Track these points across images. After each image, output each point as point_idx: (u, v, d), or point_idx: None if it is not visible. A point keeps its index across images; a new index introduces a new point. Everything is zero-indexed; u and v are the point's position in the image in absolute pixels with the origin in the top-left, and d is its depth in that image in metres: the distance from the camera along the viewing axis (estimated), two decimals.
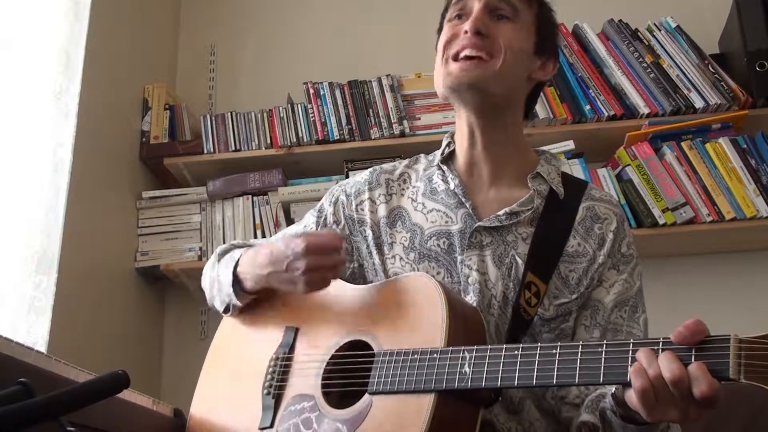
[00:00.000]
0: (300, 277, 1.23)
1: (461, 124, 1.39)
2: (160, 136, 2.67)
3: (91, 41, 2.33)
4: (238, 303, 1.39)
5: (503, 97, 1.33)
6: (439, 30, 1.42)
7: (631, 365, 0.95)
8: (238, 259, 1.37)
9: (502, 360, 1.06)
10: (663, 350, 0.94)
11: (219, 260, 1.45)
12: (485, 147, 1.36)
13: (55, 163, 2.15)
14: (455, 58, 1.31)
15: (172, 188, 2.67)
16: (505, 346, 1.08)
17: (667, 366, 0.91)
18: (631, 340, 0.98)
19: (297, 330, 1.35)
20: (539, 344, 1.05)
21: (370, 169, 1.48)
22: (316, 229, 1.45)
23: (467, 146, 1.38)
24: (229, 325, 1.47)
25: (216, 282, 1.44)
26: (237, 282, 1.36)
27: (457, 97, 1.33)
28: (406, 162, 1.49)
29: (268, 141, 2.62)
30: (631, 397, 0.97)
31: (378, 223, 1.40)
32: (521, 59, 1.33)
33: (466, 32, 1.30)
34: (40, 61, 2.16)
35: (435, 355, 1.11)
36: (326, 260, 1.24)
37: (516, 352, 1.05)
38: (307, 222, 1.48)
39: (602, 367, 0.98)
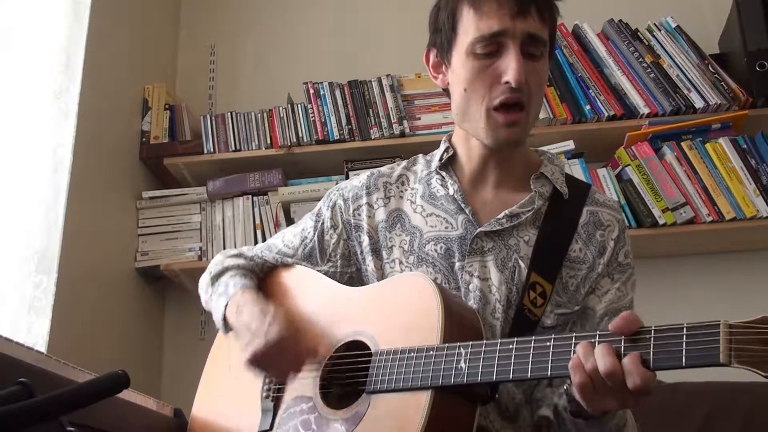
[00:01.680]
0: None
1: (474, 147, 1.35)
2: (160, 136, 2.67)
3: (91, 41, 2.33)
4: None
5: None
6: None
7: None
8: (228, 302, 1.37)
9: (497, 355, 1.06)
10: (599, 342, 0.98)
11: (213, 284, 1.45)
12: (498, 166, 1.36)
13: (55, 163, 2.15)
14: (497, 108, 1.25)
15: (172, 188, 2.67)
16: (500, 341, 1.08)
17: (601, 360, 0.96)
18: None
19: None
20: (533, 338, 1.06)
21: (368, 173, 1.46)
22: (314, 235, 1.44)
23: (479, 164, 1.36)
24: None
25: (209, 308, 1.46)
26: (226, 322, 1.38)
27: (495, 150, 1.32)
28: (404, 164, 1.48)
29: (268, 141, 2.62)
30: (573, 389, 1.02)
31: (376, 228, 1.40)
32: (544, 89, 1.34)
33: (506, 83, 1.23)
34: (40, 61, 2.16)
35: (431, 352, 1.11)
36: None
37: (511, 346, 1.06)
38: (306, 225, 1.47)
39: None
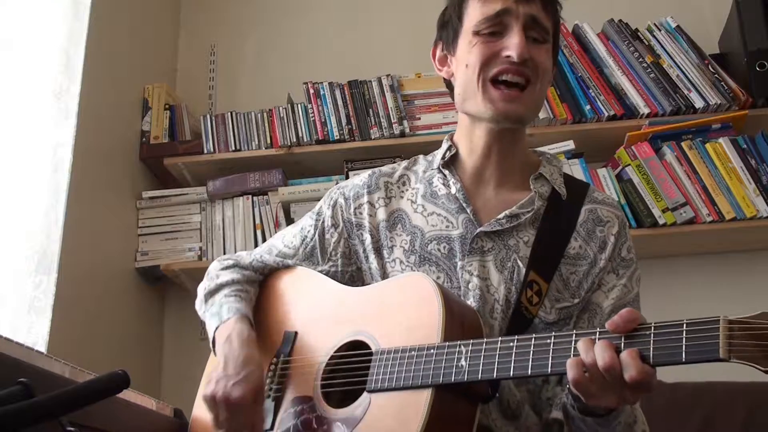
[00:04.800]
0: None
1: (477, 136, 1.36)
2: (160, 136, 2.67)
3: (91, 41, 2.33)
4: None
5: (532, 119, 1.37)
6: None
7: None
8: (220, 325, 1.35)
9: (497, 352, 1.07)
10: (599, 339, 0.99)
11: (206, 300, 1.43)
12: (500, 159, 1.36)
13: (55, 163, 2.15)
14: (494, 80, 1.28)
15: (172, 188, 2.67)
16: (500, 338, 1.09)
17: (600, 354, 0.97)
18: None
19: (296, 333, 1.35)
20: (534, 335, 1.06)
21: (369, 172, 1.46)
22: (314, 234, 1.44)
23: (480, 157, 1.37)
24: None
25: (204, 322, 1.44)
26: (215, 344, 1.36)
27: (494, 125, 1.32)
28: (404, 164, 1.48)
29: (268, 141, 2.62)
30: (571, 386, 1.02)
31: (377, 227, 1.40)
32: (550, 80, 1.36)
33: (508, 57, 1.27)
34: (40, 61, 2.16)
35: (432, 350, 1.11)
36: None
37: (511, 344, 1.06)
38: (305, 225, 1.47)
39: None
